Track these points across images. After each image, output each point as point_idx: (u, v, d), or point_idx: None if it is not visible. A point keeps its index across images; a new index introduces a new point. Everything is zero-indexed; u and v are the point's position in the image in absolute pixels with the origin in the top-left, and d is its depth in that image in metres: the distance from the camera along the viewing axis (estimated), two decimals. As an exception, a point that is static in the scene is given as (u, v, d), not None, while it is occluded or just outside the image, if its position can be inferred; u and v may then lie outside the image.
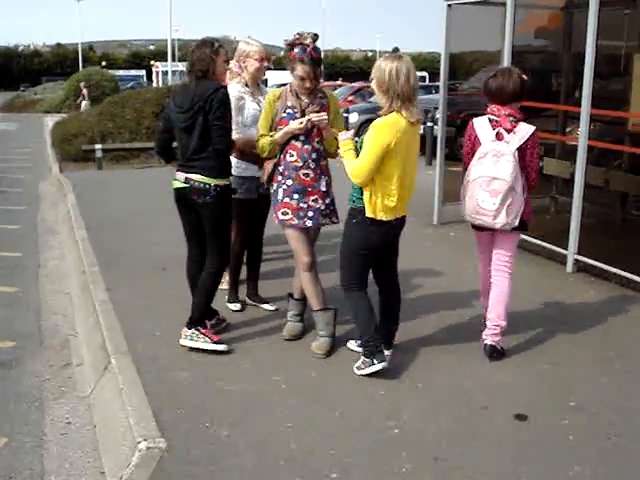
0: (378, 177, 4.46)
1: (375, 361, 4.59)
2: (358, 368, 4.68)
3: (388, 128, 4.41)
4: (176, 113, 4.99)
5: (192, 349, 4.98)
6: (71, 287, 6.98)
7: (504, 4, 7.46)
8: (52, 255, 8.34)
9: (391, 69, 4.37)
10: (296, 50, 4.87)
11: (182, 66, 46.54)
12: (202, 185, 4.90)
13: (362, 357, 4.68)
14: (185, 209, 5.11)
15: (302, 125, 4.86)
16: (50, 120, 27.91)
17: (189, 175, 4.95)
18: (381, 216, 4.50)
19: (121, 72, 61.01)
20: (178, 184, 5.03)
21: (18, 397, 4.72)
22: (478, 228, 5.06)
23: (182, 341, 5.06)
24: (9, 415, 4.48)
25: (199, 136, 4.87)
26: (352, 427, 4.01)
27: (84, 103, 33.77)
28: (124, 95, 20.75)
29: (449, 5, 8.39)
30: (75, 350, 5.48)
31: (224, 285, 5.89)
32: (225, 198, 5.01)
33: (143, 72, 67.61)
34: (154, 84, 50.20)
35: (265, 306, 5.96)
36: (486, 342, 4.97)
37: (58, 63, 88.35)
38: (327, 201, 5.11)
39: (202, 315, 5.13)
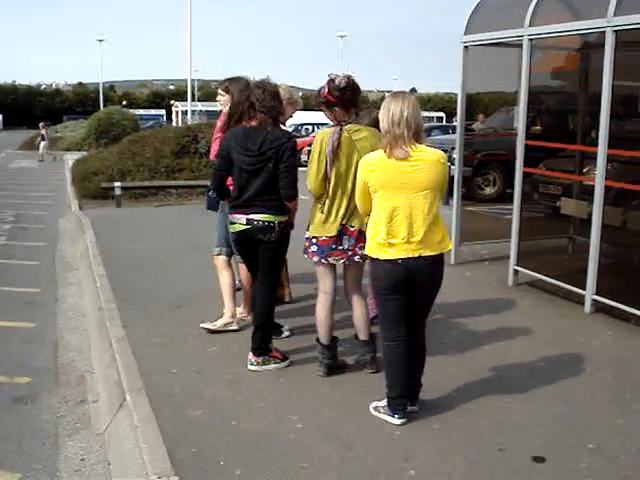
0: (372, 214, 4.43)
1: (396, 416, 4.48)
2: (375, 409, 4.62)
3: (363, 165, 4.43)
4: (241, 155, 5.09)
5: (206, 385, 4.99)
6: (88, 323, 7.00)
7: (520, 45, 7.52)
8: (70, 291, 8.39)
9: (383, 107, 4.35)
10: None
11: (201, 106, 47.17)
12: (266, 224, 5.08)
13: (385, 402, 4.56)
14: (247, 248, 5.31)
15: None
16: (70, 158, 28.26)
17: (251, 216, 5.10)
18: (375, 254, 4.39)
19: (141, 111, 61.86)
20: (240, 227, 5.18)
21: (33, 433, 4.72)
22: None
23: (252, 367, 5.31)
24: (24, 451, 4.48)
25: (266, 180, 5.04)
26: (368, 468, 3.97)
27: (42, 144, 33.59)
28: (144, 134, 21.01)
29: (465, 47, 8.47)
30: (91, 386, 5.49)
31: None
32: (287, 234, 5.25)
33: (163, 112, 68.47)
34: (174, 123, 50.76)
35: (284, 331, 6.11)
36: None
37: (79, 102, 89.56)
38: None
39: (266, 344, 5.36)
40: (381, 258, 4.35)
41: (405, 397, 4.52)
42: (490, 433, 4.37)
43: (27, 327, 6.95)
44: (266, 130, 5.08)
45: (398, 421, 4.46)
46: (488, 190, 15.35)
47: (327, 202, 5.03)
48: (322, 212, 5.06)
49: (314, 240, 5.10)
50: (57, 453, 4.45)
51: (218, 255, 6.28)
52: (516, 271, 7.90)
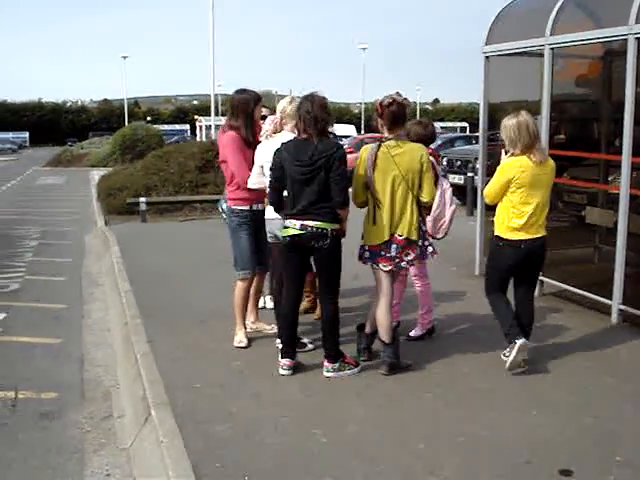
0: (505, 203, 5.45)
1: (516, 340, 5.42)
2: (504, 355, 5.60)
3: (512, 166, 5.38)
4: (293, 165, 5.26)
5: (231, 399, 5.00)
6: (113, 339, 7.05)
7: (542, 54, 7.48)
8: (96, 307, 8.45)
9: (517, 126, 5.30)
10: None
11: (225, 120, 47.31)
12: (320, 230, 5.26)
13: (508, 345, 5.53)
14: (296, 254, 5.45)
15: None
16: (96, 174, 28.54)
17: (305, 222, 5.26)
18: (506, 235, 5.46)
19: (166, 127, 62.35)
20: (293, 231, 5.34)
21: (59, 448, 4.75)
22: None
23: (329, 374, 5.47)
24: (50, 466, 4.51)
25: (318, 189, 5.22)
26: (392, 482, 3.94)
27: None
28: (168, 149, 21.14)
29: (487, 57, 8.45)
30: (116, 402, 5.51)
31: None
32: (339, 241, 5.41)
33: (187, 127, 68.90)
34: (197, 138, 51.04)
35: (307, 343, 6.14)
36: None
37: (104, 118, 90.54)
38: None
39: (338, 349, 5.53)
40: (511, 238, 5.45)
41: (517, 327, 5.55)
42: (516, 446, 4.33)
43: (53, 343, 7.01)
44: (316, 141, 5.22)
45: (521, 340, 5.43)
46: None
47: (371, 212, 5.41)
48: (368, 222, 5.45)
49: (366, 247, 5.49)
50: (83, 469, 4.47)
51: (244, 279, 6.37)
52: (541, 281, 7.83)
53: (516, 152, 5.39)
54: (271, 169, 5.46)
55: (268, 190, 5.56)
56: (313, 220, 5.25)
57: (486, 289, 5.79)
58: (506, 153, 5.53)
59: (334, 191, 5.20)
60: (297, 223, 5.30)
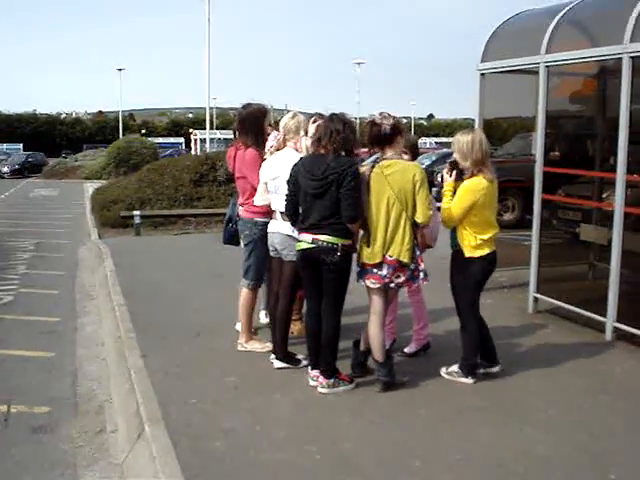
0: (467, 225, 5.47)
1: (469, 377, 5.63)
2: (448, 373, 5.73)
3: (479, 187, 5.40)
4: (307, 179, 5.33)
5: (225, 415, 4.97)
6: (107, 353, 7.01)
7: (537, 72, 7.52)
8: (89, 320, 8.42)
9: (467, 140, 5.42)
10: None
11: (219, 134, 47.41)
12: (330, 245, 5.28)
13: (458, 368, 5.66)
14: (309, 268, 5.48)
15: None
16: (90, 186, 28.51)
17: (317, 236, 5.31)
18: (478, 253, 5.48)
19: (160, 140, 62.39)
20: (305, 245, 5.40)
21: (52, 463, 4.72)
22: None
23: (324, 390, 5.44)
24: (42, 482, 4.48)
25: (330, 204, 5.26)
26: (387, 499, 3.93)
27: None
28: (163, 163, 21.15)
29: (482, 74, 8.49)
30: (109, 416, 5.48)
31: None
32: (349, 257, 5.41)
33: (182, 140, 68.93)
34: (192, 152, 51.08)
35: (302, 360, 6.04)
36: None
37: (99, 130, 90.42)
38: None
39: (333, 365, 5.52)
40: (482, 255, 5.50)
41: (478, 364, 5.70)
42: (511, 464, 4.32)
43: (46, 356, 6.98)
44: (331, 157, 5.27)
45: (470, 381, 5.61)
46: (507, 216, 15.30)
47: (365, 232, 5.37)
48: (363, 242, 5.39)
49: (359, 263, 5.44)
50: (76, 484, 4.45)
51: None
52: (536, 298, 7.84)
53: (465, 166, 5.47)
54: (287, 182, 5.55)
55: (285, 203, 5.61)
56: (324, 234, 5.28)
57: (464, 314, 5.72)
58: (451, 173, 5.62)
59: (343, 205, 5.23)
60: (309, 237, 5.35)
